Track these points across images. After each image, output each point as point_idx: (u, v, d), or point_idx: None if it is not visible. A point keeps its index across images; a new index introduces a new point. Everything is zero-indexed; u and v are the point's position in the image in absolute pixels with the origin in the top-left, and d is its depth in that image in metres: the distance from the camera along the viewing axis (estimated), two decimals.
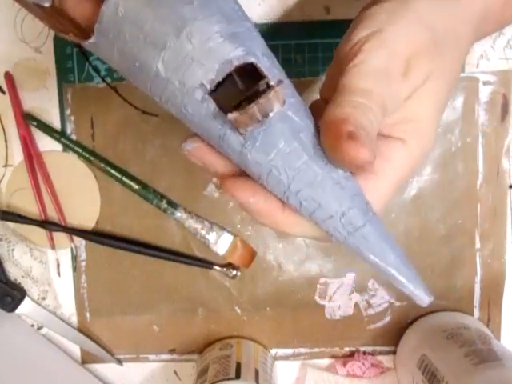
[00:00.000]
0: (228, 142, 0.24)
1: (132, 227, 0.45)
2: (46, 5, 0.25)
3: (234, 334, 0.46)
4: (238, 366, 0.41)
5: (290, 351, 0.46)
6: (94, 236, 0.44)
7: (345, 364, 0.46)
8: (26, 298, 0.45)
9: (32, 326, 0.46)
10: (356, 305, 0.45)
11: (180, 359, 0.47)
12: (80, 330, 0.46)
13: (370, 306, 0.45)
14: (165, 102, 0.25)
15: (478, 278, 0.45)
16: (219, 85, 0.23)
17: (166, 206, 0.44)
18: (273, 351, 0.46)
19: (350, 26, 0.27)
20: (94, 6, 0.25)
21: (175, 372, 0.47)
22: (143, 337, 0.46)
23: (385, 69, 0.24)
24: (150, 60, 0.23)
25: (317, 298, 0.46)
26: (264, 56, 0.24)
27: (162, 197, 0.44)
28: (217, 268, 0.45)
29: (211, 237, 0.44)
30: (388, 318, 0.45)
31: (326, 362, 0.47)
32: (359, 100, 0.23)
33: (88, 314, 0.46)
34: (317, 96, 0.30)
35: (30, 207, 0.44)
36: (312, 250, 0.45)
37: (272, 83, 0.22)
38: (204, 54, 0.23)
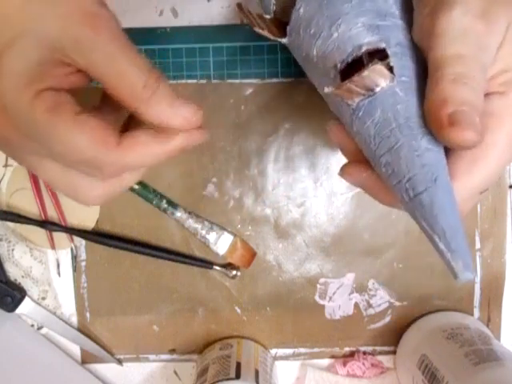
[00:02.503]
0: (343, 114, 0.26)
1: (132, 227, 0.45)
2: (268, 17, 0.30)
3: (234, 334, 0.46)
4: (238, 366, 0.41)
5: (290, 351, 0.46)
6: (94, 236, 0.44)
7: (345, 364, 0.46)
8: (26, 298, 0.45)
9: (32, 326, 0.46)
10: (356, 305, 0.45)
11: (180, 359, 0.47)
12: (80, 330, 0.46)
13: (370, 306, 0.45)
14: (317, 86, 0.28)
15: (478, 278, 0.45)
16: (352, 67, 0.25)
17: (166, 205, 0.43)
18: (273, 351, 0.46)
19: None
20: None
21: (175, 372, 0.47)
22: (143, 337, 0.46)
23: (467, 27, 0.24)
24: (309, 49, 0.27)
25: (317, 297, 0.46)
26: (398, 45, 0.25)
27: (162, 197, 0.44)
28: (217, 268, 0.45)
29: (211, 237, 0.44)
30: (388, 318, 0.45)
31: (326, 362, 0.47)
32: (456, 70, 0.23)
33: (88, 314, 0.46)
34: None
35: (30, 207, 0.44)
36: (312, 250, 0.45)
37: (391, 63, 0.24)
38: (344, 40, 0.26)
